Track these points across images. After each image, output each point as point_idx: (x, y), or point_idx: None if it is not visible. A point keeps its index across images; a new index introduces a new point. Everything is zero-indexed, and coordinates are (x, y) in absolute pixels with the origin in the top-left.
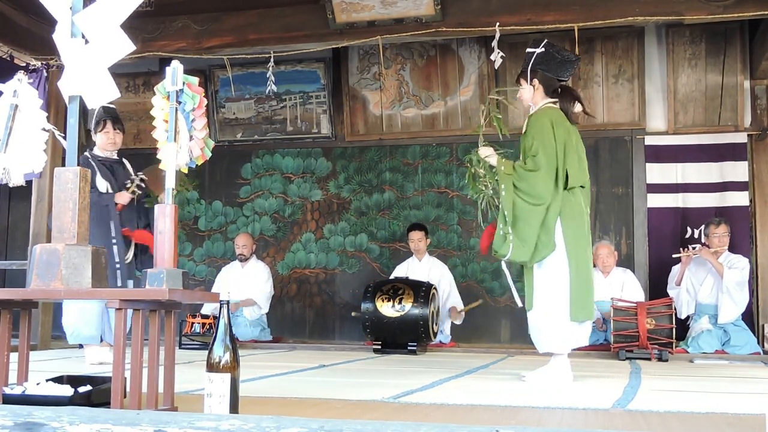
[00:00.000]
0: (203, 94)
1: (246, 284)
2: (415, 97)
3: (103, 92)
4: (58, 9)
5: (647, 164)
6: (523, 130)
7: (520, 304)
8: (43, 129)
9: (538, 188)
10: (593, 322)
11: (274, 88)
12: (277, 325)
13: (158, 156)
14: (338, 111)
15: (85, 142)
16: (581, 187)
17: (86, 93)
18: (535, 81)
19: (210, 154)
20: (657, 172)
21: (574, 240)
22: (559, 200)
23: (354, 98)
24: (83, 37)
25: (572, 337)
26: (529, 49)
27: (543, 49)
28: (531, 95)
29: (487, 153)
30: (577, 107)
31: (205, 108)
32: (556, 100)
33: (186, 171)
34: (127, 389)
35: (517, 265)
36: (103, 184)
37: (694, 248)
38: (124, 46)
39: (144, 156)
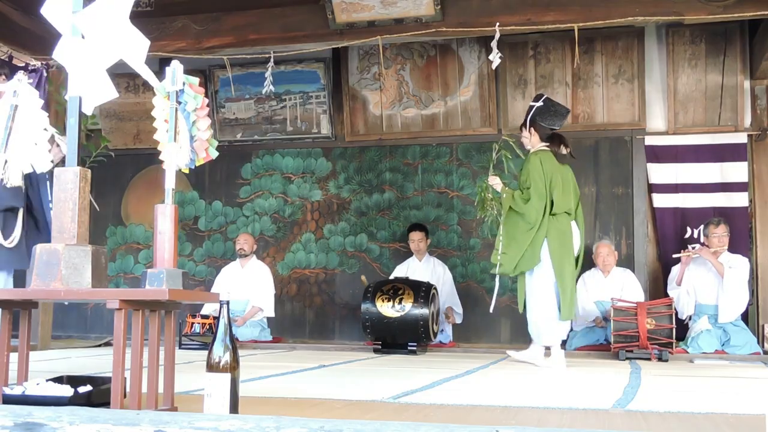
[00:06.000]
0: (203, 94)
1: (246, 284)
2: (415, 97)
3: (102, 92)
4: (56, 13)
5: (649, 164)
6: (522, 167)
7: (491, 310)
8: (44, 129)
9: (530, 215)
10: (593, 321)
11: (272, 88)
12: (277, 325)
13: (161, 157)
14: (338, 111)
15: (86, 142)
16: (567, 213)
17: (85, 94)
18: (533, 129)
19: (216, 154)
20: (657, 173)
21: (558, 255)
22: (546, 223)
23: (354, 98)
24: (83, 37)
25: (559, 332)
26: (531, 103)
27: (542, 104)
28: (529, 140)
29: (494, 181)
30: (563, 150)
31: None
32: (548, 143)
33: (187, 171)
34: (127, 389)
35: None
36: None
37: (693, 248)
38: (141, 44)
39: (144, 156)
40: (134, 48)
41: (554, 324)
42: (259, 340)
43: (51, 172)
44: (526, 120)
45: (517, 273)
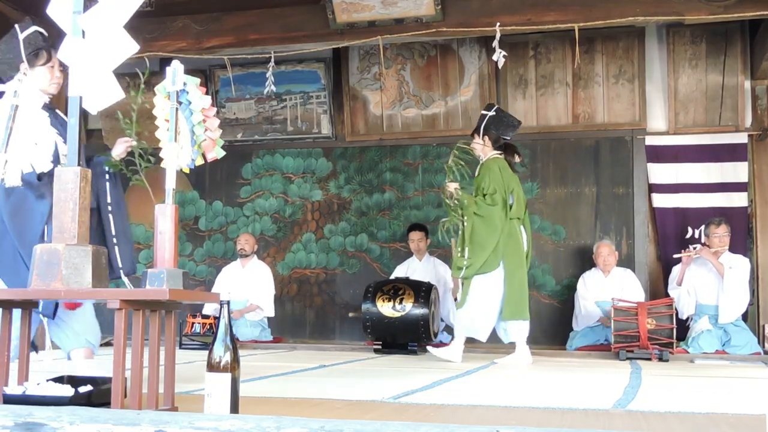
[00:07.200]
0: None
1: (247, 284)
2: (416, 98)
3: (107, 94)
4: (61, 13)
5: (649, 164)
6: (476, 173)
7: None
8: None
9: (494, 219)
10: (598, 321)
11: (274, 88)
12: (277, 326)
13: (161, 155)
14: (338, 111)
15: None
16: (518, 218)
17: (89, 95)
18: (486, 138)
19: (222, 154)
20: (658, 173)
21: (514, 257)
22: (507, 227)
23: (354, 98)
24: (84, 38)
25: (485, 329)
26: (483, 111)
27: (494, 113)
28: (482, 148)
29: (454, 186)
30: (517, 159)
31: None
32: (501, 152)
33: (187, 171)
34: (128, 389)
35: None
36: (63, 148)
37: (694, 248)
38: (128, 47)
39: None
40: (118, 51)
41: (486, 322)
42: (259, 340)
43: (114, 173)
44: (479, 128)
45: (478, 274)
